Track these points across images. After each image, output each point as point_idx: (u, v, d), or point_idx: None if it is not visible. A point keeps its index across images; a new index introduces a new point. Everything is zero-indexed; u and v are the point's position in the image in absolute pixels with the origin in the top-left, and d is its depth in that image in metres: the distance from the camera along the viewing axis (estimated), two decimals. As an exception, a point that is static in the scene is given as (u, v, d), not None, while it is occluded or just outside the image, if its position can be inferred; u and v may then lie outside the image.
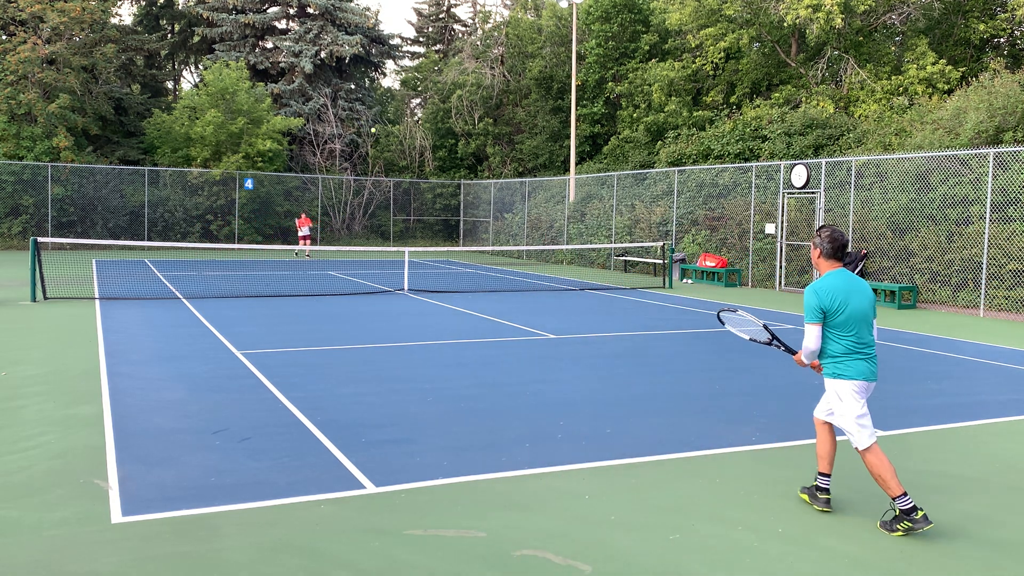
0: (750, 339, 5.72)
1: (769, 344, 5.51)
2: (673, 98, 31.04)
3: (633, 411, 7.76)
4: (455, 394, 8.35)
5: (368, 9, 43.76)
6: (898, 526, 4.90)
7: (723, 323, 5.95)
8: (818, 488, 5.35)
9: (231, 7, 41.63)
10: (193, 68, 49.91)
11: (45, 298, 15.66)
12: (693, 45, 30.90)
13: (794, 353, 5.40)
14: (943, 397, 8.76)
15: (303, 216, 30.75)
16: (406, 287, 18.84)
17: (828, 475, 5.34)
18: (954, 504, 5.49)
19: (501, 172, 40.18)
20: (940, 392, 9.00)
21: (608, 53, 34.27)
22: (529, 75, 38.09)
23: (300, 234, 29.75)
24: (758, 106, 27.46)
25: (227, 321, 13.19)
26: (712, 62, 30.56)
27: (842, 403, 5.12)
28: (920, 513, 4.84)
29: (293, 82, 40.88)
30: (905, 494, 4.89)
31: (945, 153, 17.54)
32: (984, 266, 16.26)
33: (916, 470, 6.17)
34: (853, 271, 18.62)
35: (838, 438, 5.70)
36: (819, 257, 5.24)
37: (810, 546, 4.75)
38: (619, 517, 5.13)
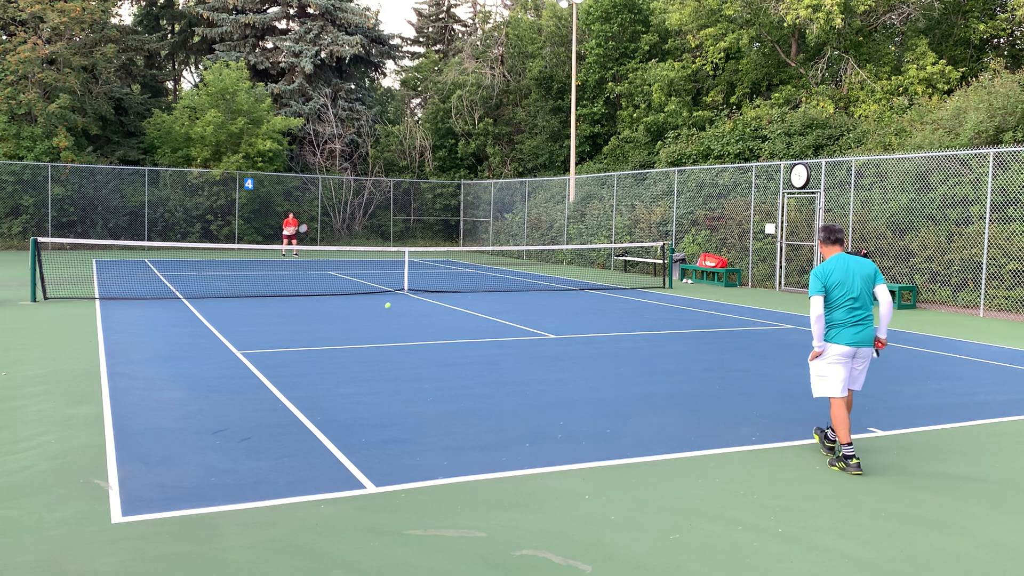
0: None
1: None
2: (673, 98, 31.04)
3: (633, 411, 7.76)
4: (455, 394, 8.34)
5: (368, 9, 43.73)
6: (837, 464, 6.14)
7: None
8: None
9: (231, 7, 41.61)
10: (193, 68, 49.89)
11: (45, 298, 15.66)
12: (693, 45, 30.90)
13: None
14: (943, 397, 8.76)
15: (290, 216, 30.93)
16: (406, 287, 18.83)
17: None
18: (954, 504, 5.49)
19: (501, 172, 40.16)
20: (940, 392, 9.00)
21: (608, 53, 34.27)
22: (529, 75, 38.08)
23: (284, 233, 30.03)
24: (758, 106, 27.45)
25: (227, 321, 13.19)
26: (712, 62, 30.55)
27: (819, 358, 6.29)
28: (855, 461, 6.01)
29: (293, 82, 40.87)
30: (851, 444, 6.07)
31: (945, 153, 17.54)
32: (984, 266, 16.26)
33: (916, 470, 6.17)
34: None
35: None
36: (822, 246, 6.50)
37: (810, 546, 4.75)
38: (619, 517, 5.13)
